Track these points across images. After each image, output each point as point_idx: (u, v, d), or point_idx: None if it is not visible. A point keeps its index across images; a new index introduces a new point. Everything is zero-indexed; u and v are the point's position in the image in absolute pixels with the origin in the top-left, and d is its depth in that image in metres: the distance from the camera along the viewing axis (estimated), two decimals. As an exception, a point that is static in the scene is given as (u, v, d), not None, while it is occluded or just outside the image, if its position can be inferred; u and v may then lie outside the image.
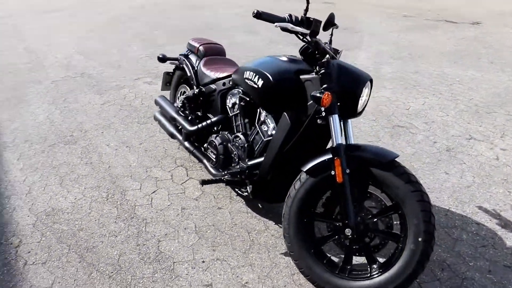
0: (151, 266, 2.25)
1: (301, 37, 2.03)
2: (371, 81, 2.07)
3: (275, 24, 1.93)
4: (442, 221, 2.58)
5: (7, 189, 2.94)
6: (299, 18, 2.01)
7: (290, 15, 1.98)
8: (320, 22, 2.03)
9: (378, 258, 2.02)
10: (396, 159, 1.91)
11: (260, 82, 2.18)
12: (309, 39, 2.01)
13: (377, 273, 1.94)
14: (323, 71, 1.97)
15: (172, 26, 8.21)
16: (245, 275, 2.19)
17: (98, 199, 2.82)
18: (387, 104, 4.26)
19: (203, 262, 2.28)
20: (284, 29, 1.95)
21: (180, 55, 3.24)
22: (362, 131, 3.71)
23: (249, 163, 2.38)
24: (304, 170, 2.01)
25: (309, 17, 2.01)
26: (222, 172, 2.61)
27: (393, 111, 4.10)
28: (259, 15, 1.89)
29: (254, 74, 2.24)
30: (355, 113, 2.04)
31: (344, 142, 1.97)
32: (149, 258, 2.31)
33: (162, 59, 3.21)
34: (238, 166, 2.47)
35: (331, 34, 2.26)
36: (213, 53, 3.07)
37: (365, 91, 2.04)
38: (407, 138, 3.57)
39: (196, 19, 8.84)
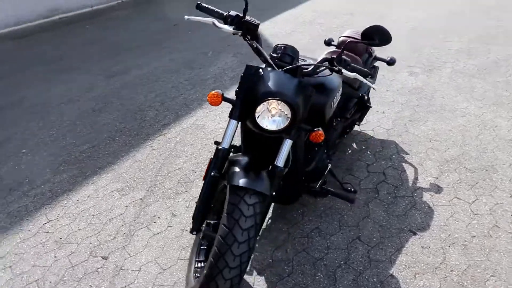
0: (176, 185, 3.05)
1: (243, 37, 2.06)
2: (287, 102, 1.84)
3: (186, 17, 2.06)
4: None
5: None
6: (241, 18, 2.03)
7: (229, 14, 2.03)
8: (255, 25, 1.99)
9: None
10: (256, 192, 1.81)
11: None
12: (248, 41, 2.03)
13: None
14: (242, 74, 2.00)
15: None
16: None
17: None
18: None
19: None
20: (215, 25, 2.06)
21: None
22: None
23: None
24: None
25: (244, 19, 2.00)
26: None
27: None
28: (198, 6, 2.09)
29: None
30: (258, 128, 1.92)
31: (226, 146, 1.99)
32: (183, 181, 3.09)
33: (327, 43, 3.43)
34: None
35: (343, 47, 2.05)
36: (346, 47, 3.03)
37: (269, 112, 1.88)
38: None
39: None
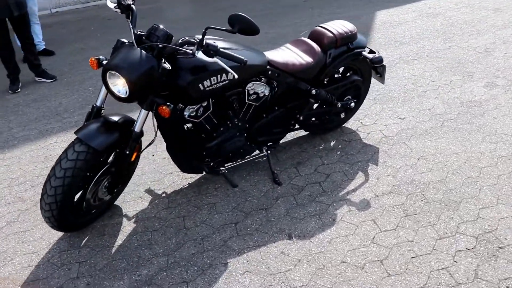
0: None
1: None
2: (121, 73, 2.05)
3: None
4: None
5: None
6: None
7: None
8: (125, 5, 2.20)
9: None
10: (87, 144, 2.15)
11: None
12: (126, 18, 2.27)
13: None
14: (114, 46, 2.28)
15: None
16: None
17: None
18: None
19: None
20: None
21: None
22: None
23: None
24: None
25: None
26: None
27: None
28: None
29: None
30: (112, 93, 2.20)
31: (98, 104, 2.37)
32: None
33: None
34: None
35: (204, 32, 2.14)
36: (312, 37, 2.90)
37: (112, 79, 2.13)
38: None
39: None
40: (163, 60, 2.12)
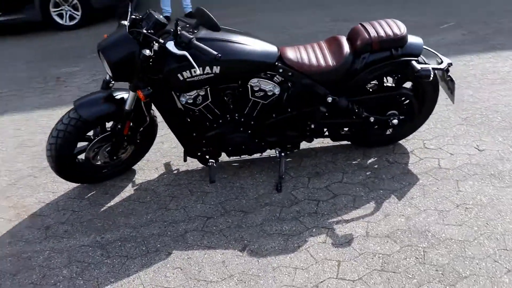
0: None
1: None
2: (104, 55, 2.19)
3: None
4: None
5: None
6: None
7: None
8: None
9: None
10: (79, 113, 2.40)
11: None
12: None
13: None
14: None
15: None
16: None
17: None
18: None
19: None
20: None
21: None
22: None
23: None
24: None
25: None
26: None
27: None
28: None
29: None
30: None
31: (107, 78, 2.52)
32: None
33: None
34: None
35: (176, 23, 2.16)
36: (349, 36, 2.49)
37: (103, 58, 2.28)
38: None
39: None
40: (152, 46, 2.17)
